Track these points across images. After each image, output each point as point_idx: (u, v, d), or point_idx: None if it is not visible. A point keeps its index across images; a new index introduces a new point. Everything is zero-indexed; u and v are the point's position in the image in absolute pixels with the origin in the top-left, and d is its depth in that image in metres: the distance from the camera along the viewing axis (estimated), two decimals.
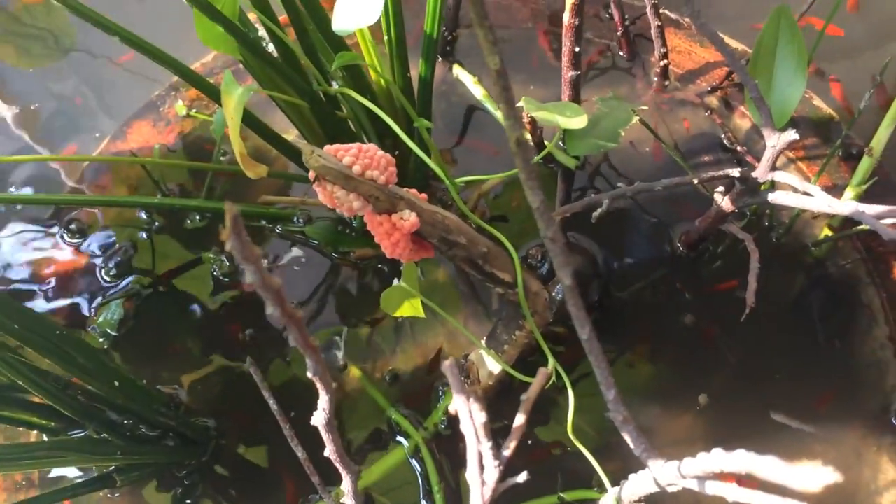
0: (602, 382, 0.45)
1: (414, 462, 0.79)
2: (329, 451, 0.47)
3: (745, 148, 0.91)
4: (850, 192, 0.80)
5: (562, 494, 0.76)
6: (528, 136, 0.84)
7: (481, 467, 0.40)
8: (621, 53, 0.99)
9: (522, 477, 0.43)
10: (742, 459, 0.35)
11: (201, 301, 0.89)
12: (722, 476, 0.41)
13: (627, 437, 0.48)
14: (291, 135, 0.91)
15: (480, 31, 0.34)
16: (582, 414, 0.75)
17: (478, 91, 0.96)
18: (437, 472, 0.77)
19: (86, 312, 0.89)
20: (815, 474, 0.28)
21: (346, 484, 0.50)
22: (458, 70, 0.99)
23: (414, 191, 0.57)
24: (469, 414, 0.37)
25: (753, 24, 1.02)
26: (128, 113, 1.02)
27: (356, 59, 0.59)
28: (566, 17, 0.72)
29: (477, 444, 0.38)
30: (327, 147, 0.53)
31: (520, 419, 0.42)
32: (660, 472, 0.48)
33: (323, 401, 0.43)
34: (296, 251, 0.91)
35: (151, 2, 1.16)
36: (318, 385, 0.41)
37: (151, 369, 0.86)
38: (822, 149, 0.91)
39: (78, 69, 1.10)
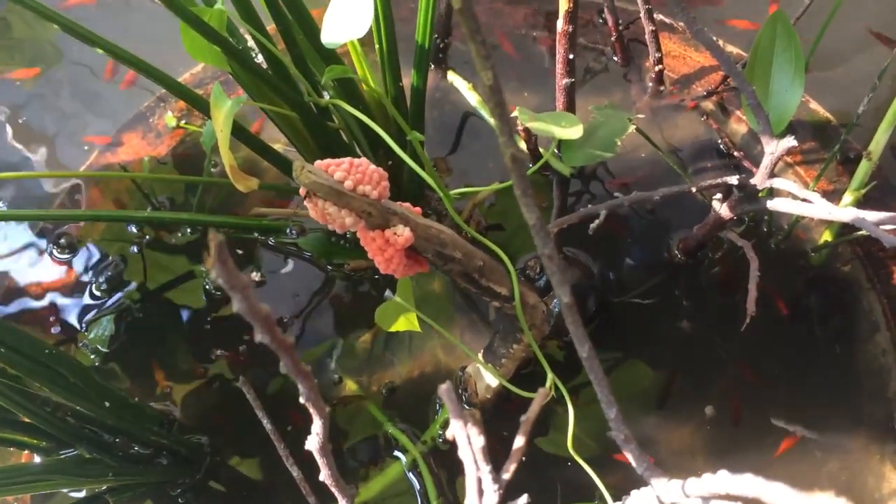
0: (603, 401, 0.44)
1: (412, 476, 0.78)
2: (324, 476, 0.46)
3: (741, 153, 0.90)
4: (848, 197, 0.79)
5: None
6: (525, 148, 0.83)
7: (480, 492, 0.39)
8: (615, 59, 0.98)
9: (523, 500, 0.42)
10: (749, 483, 0.34)
11: (193, 315, 0.88)
12: (728, 497, 0.40)
13: (630, 456, 0.47)
14: (281, 144, 0.89)
15: (473, 45, 0.33)
16: (581, 424, 0.74)
17: (472, 98, 0.95)
18: (436, 486, 0.76)
19: (76, 329, 0.87)
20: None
21: None
22: (452, 76, 0.98)
23: (407, 205, 0.56)
24: (467, 440, 0.36)
25: (748, 25, 1.02)
26: (117, 124, 1.01)
27: (347, 72, 0.58)
28: (560, 24, 0.71)
29: (476, 470, 0.36)
30: (318, 162, 0.51)
31: (519, 441, 0.41)
32: (663, 491, 0.47)
33: (317, 425, 0.42)
34: (289, 263, 0.90)
35: (140, 11, 1.15)
36: (312, 410, 0.40)
37: (143, 386, 0.84)
38: (819, 153, 0.90)
39: (66, 81, 1.09)
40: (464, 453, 0.37)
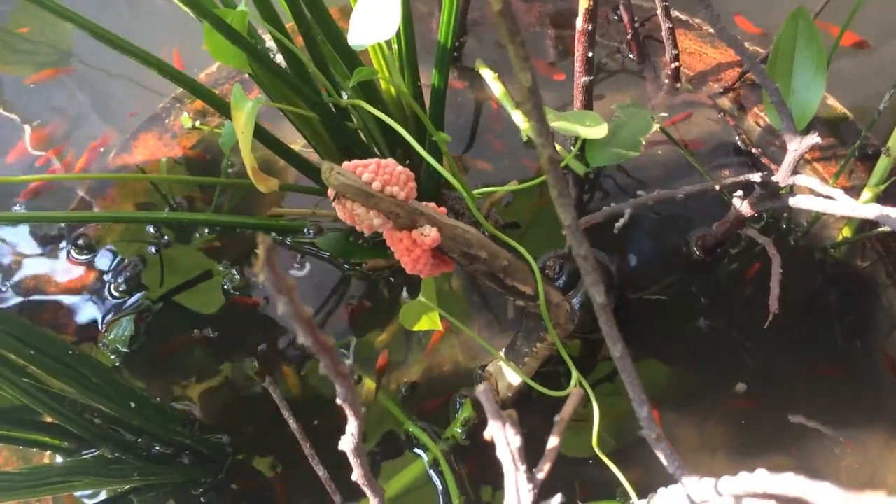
0: (635, 400, 0.44)
1: (433, 474, 0.78)
2: (357, 476, 0.46)
3: (759, 149, 0.90)
4: (868, 193, 0.79)
5: None
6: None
7: (517, 493, 0.39)
8: (631, 56, 0.98)
9: (557, 500, 0.42)
10: (791, 483, 0.34)
11: (212, 314, 0.88)
12: (765, 496, 0.40)
13: (661, 455, 0.47)
14: (297, 144, 0.90)
15: (511, 48, 0.33)
16: (601, 420, 0.75)
17: (497, 87, 0.94)
18: (457, 484, 0.76)
19: (96, 329, 0.88)
20: None
21: None
22: (479, 65, 0.97)
23: (433, 205, 0.56)
24: (506, 441, 0.36)
25: (755, 21, 1.02)
26: (133, 125, 1.01)
27: (373, 74, 0.58)
28: (579, 23, 0.71)
29: (515, 471, 0.37)
30: (345, 164, 0.51)
31: (553, 441, 0.41)
32: (694, 490, 0.47)
33: (352, 426, 0.42)
34: (306, 263, 0.90)
35: (149, 12, 1.15)
36: (348, 411, 0.40)
37: (164, 386, 0.85)
38: (837, 149, 0.90)
39: (81, 82, 1.09)
40: (502, 454, 0.37)
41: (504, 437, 0.37)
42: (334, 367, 0.36)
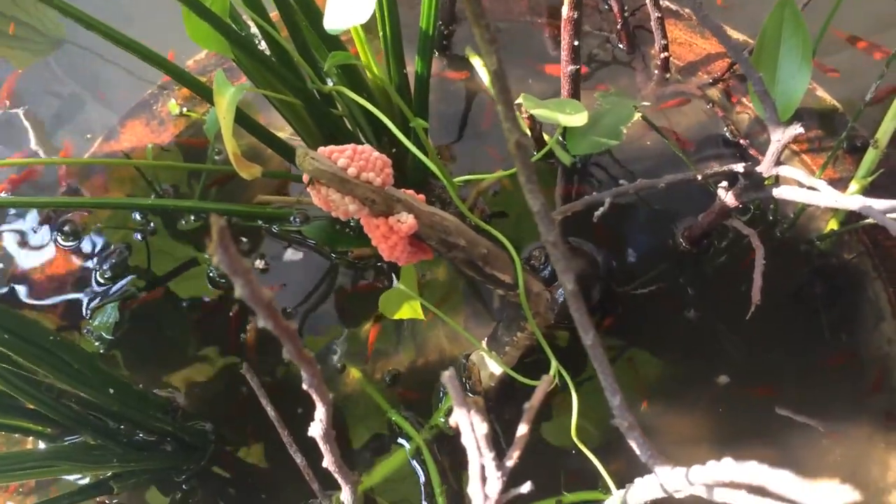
0: (607, 389, 0.44)
1: (415, 464, 0.78)
2: (327, 462, 0.46)
3: (747, 140, 0.89)
4: (855, 185, 0.79)
5: (566, 495, 0.75)
6: (528, 134, 0.83)
7: (483, 479, 0.39)
8: (621, 46, 0.98)
9: (526, 487, 0.42)
10: (754, 471, 0.34)
11: (198, 302, 0.88)
12: (733, 484, 0.40)
13: (633, 444, 0.46)
14: (286, 132, 0.89)
15: (477, 31, 0.33)
16: (585, 412, 0.74)
17: (486, 75, 0.94)
18: (440, 473, 0.76)
19: (80, 316, 0.88)
20: (833, 492, 0.27)
21: (346, 494, 0.49)
22: (468, 53, 0.97)
23: (411, 192, 0.55)
24: (470, 427, 0.36)
25: (753, 13, 1.01)
26: (121, 111, 1.01)
27: (350, 59, 0.58)
28: (565, 11, 0.70)
29: (479, 457, 0.36)
30: (321, 149, 0.51)
31: (522, 429, 0.41)
32: (667, 479, 0.47)
33: (320, 412, 0.42)
34: (293, 251, 0.90)
35: None
36: (315, 396, 0.40)
37: (148, 373, 0.84)
38: (826, 141, 0.89)
39: (69, 68, 1.08)
40: (467, 440, 0.37)
41: (469, 424, 0.37)
42: (297, 352, 0.36)
